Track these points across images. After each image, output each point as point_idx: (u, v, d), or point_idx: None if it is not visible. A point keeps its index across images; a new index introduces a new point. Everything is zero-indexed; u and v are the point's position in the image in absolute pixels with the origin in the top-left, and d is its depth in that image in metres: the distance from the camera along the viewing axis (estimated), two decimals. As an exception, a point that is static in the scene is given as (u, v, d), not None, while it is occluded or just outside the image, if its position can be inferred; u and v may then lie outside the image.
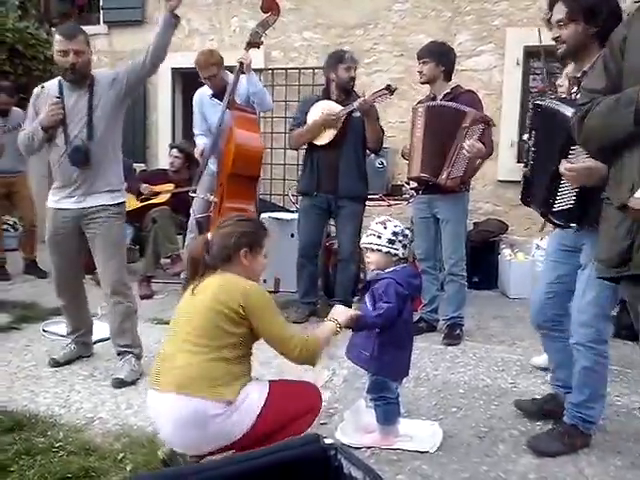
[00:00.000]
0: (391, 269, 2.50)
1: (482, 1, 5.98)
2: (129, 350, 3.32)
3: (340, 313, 2.38)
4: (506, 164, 5.84)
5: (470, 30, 6.05)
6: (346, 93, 4.26)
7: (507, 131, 5.87)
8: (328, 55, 4.40)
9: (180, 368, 2.08)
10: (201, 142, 4.71)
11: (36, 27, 6.94)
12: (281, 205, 6.06)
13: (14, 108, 5.47)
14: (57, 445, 2.46)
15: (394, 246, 2.48)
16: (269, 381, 2.27)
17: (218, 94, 4.54)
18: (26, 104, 3.47)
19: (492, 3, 5.95)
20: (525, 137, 2.61)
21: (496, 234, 5.69)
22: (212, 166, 4.68)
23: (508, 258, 5.38)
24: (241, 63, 4.32)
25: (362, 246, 2.61)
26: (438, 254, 4.12)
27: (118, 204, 3.31)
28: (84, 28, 3.29)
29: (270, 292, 4.36)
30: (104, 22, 7.36)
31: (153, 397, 2.17)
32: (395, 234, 2.49)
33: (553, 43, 2.52)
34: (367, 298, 2.52)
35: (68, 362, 3.44)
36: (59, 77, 3.22)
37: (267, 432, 2.12)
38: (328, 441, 1.18)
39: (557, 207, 2.41)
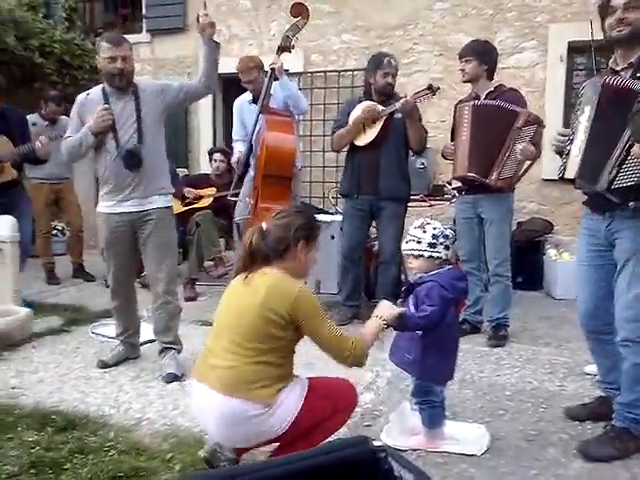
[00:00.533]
0: (434, 272, 2.45)
1: (524, -3, 5.89)
2: (173, 347, 3.42)
3: (385, 310, 2.35)
4: (551, 162, 5.71)
5: (512, 27, 5.95)
6: (386, 96, 4.24)
7: (551, 129, 5.71)
8: (371, 57, 4.38)
9: (226, 369, 2.11)
10: (238, 148, 4.78)
11: (82, 38, 7.13)
12: (320, 207, 6.07)
13: (62, 117, 5.62)
14: (108, 445, 2.52)
15: (436, 249, 2.43)
16: (308, 379, 2.27)
17: (258, 99, 4.57)
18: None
19: (534, -1, 5.85)
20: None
21: (541, 233, 5.58)
22: (252, 171, 4.72)
23: (554, 258, 5.28)
24: (272, 69, 4.34)
25: (403, 252, 2.57)
26: (482, 255, 4.06)
27: (169, 207, 3.40)
28: (128, 37, 3.37)
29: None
30: (147, 31, 7.53)
31: (197, 389, 2.20)
32: (435, 237, 2.43)
33: (599, 38, 2.46)
34: (410, 301, 2.48)
35: (116, 363, 3.51)
36: (101, 85, 3.28)
37: (307, 427, 2.16)
38: (377, 443, 1.17)
39: (617, 184, 2.30)
